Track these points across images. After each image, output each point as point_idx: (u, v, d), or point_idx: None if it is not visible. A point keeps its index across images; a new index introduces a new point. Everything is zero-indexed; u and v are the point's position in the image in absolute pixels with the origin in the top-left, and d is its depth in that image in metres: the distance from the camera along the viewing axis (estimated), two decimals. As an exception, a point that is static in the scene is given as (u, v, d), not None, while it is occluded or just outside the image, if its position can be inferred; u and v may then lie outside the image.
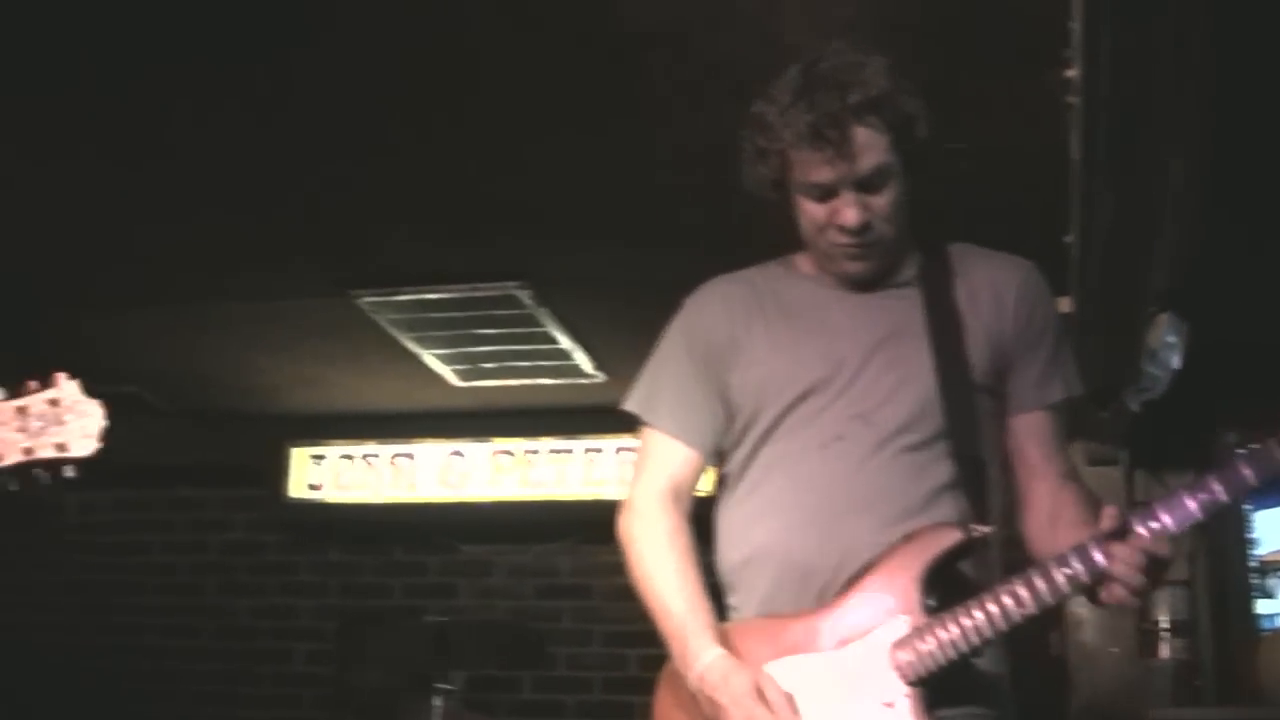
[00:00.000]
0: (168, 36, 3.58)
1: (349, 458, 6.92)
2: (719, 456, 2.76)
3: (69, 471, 2.15)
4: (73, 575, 7.27)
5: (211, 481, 7.25)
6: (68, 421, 2.13)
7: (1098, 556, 2.29)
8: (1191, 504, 2.28)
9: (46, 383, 2.16)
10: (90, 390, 2.18)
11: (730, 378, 2.69)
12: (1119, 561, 2.27)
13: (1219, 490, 2.28)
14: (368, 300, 5.33)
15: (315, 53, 3.69)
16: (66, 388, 2.16)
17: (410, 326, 5.57)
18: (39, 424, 2.13)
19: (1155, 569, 2.28)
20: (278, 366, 6.28)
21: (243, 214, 4.72)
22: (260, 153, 4.25)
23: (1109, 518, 2.32)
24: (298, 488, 6.98)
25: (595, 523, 6.07)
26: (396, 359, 5.96)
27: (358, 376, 6.34)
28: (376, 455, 6.88)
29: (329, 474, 6.95)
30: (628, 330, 5.16)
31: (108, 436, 2.15)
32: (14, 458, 2.13)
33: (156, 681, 6.96)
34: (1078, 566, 2.31)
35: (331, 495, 6.93)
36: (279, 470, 6.99)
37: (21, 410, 2.14)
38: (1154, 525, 2.29)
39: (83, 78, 3.78)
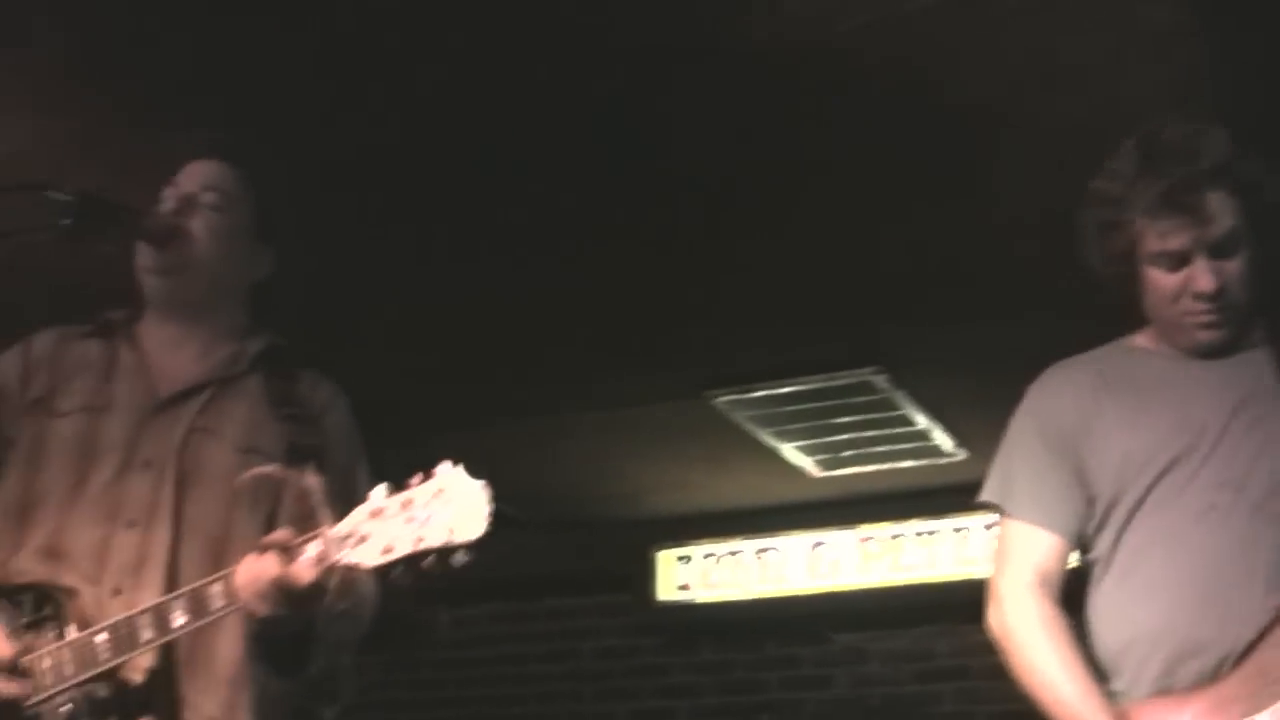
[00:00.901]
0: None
1: (713, 556, 7.09)
2: (1080, 543, 2.75)
3: (461, 557, 2.16)
4: (450, 692, 7.62)
5: (581, 590, 7.49)
6: (455, 506, 2.16)
7: None
8: None
9: (428, 474, 2.20)
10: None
11: (1087, 460, 2.69)
12: None
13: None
14: (724, 400, 5.51)
15: (656, 163, 3.93)
16: (451, 474, 2.19)
17: (767, 421, 5.73)
18: (426, 513, 2.17)
19: None
20: (639, 471, 6.52)
21: (597, 324, 4.99)
22: (608, 263, 4.52)
23: None
24: (666, 590, 7.18)
25: (969, 603, 6.09)
26: (755, 455, 6.12)
27: (718, 475, 6.51)
28: (741, 551, 7.03)
29: (696, 574, 7.13)
30: (986, 405, 5.19)
31: (476, 552, 2.16)
32: (405, 549, 2.17)
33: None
34: None
35: (700, 595, 7.10)
36: (646, 574, 7.21)
37: (407, 503, 2.18)
38: None
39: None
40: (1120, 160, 2.64)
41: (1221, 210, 2.55)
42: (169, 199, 2.79)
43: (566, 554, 7.27)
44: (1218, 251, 2.56)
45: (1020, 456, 2.78)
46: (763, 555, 6.99)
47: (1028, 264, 4.37)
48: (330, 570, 2.26)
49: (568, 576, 7.39)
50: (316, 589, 2.29)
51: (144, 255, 2.75)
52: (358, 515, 2.22)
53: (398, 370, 5.30)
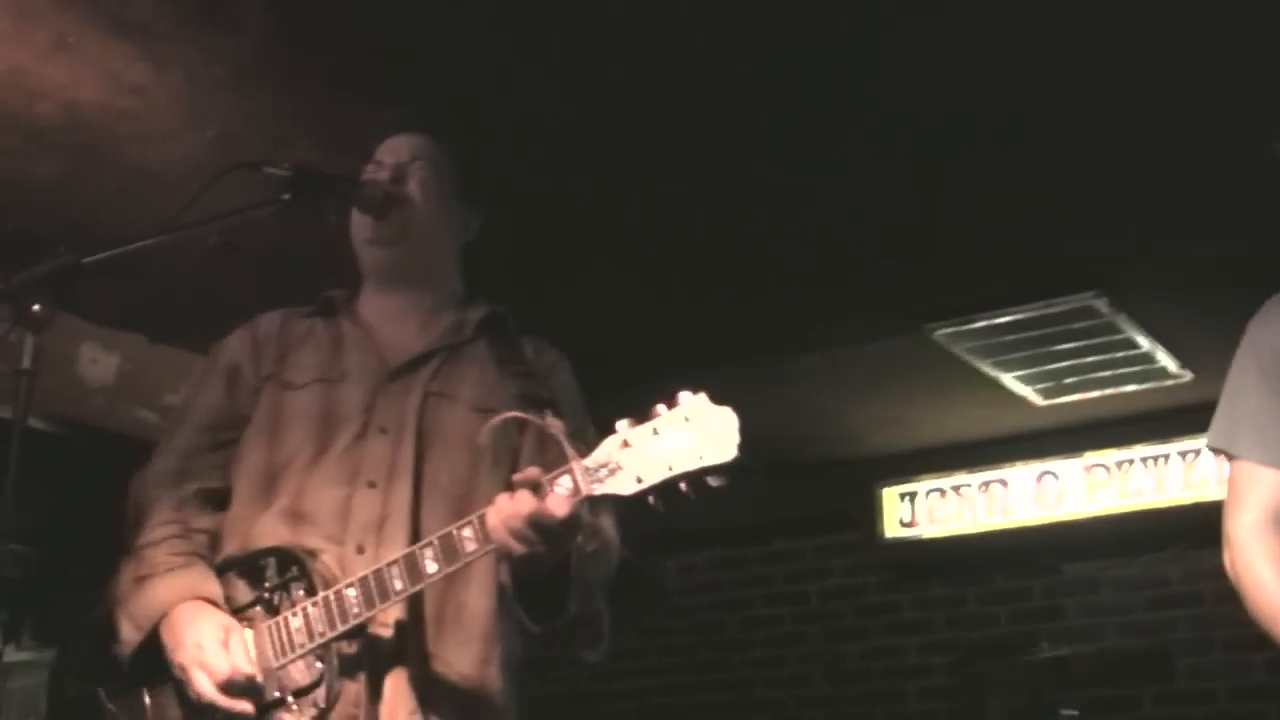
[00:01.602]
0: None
1: (940, 491, 7.19)
2: None
3: (713, 481, 2.19)
4: (680, 639, 7.83)
5: (805, 531, 7.63)
6: (702, 432, 2.18)
7: None
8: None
9: (671, 403, 2.22)
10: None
11: None
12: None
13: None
14: (943, 333, 5.64)
15: (870, 98, 4.08)
16: (693, 401, 2.21)
17: (987, 352, 5.83)
18: (674, 441, 2.19)
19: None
20: (860, 410, 6.67)
21: (813, 265, 5.16)
22: (822, 202, 4.66)
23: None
24: (892, 527, 7.30)
25: (1201, 526, 6.14)
26: (977, 386, 6.22)
27: (939, 409, 6.63)
28: (967, 485, 7.11)
29: (922, 510, 7.24)
30: (1209, 325, 5.29)
31: (730, 475, 2.19)
32: (658, 476, 2.20)
33: (776, 732, 7.38)
34: None
35: (927, 531, 7.21)
36: (872, 512, 7.33)
37: (656, 431, 2.20)
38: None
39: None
40: None
41: None
42: (378, 170, 2.89)
43: (790, 497, 7.39)
44: None
45: (1242, 395, 2.78)
46: (988, 488, 7.05)
47: (1247, 181, 4.42)
48: (584, 503, 2.30)
49: (792, 519, 7.49)
50: (572, 524, 2.32)
51: (363, 228, 2.86)
52: (607, 447, 2.25)
53: (613, 322, 5.54)
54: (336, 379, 2.78)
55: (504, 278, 3.14)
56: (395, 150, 2.93)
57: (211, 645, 2.51)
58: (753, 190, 4.62)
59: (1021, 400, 6.39)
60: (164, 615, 2.58)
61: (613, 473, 2.24)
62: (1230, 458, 2.78)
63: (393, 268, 2.89)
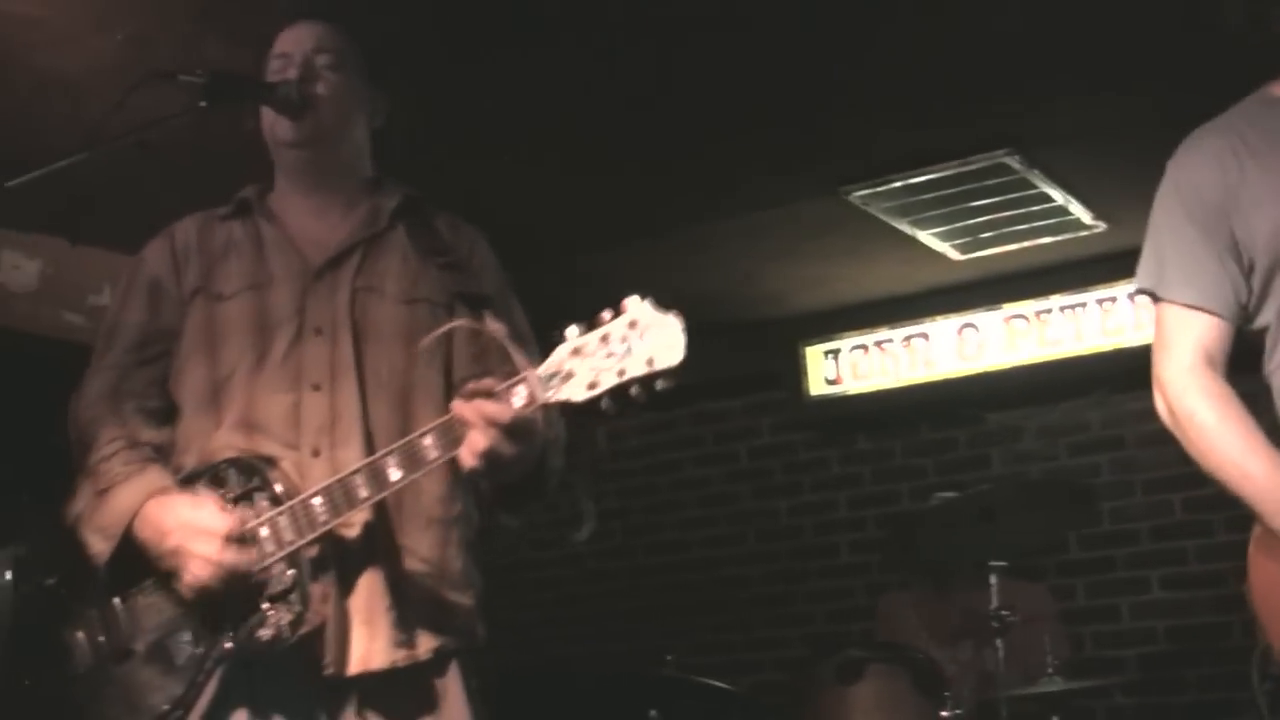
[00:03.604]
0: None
1: (863, 348, 7.34)
2: (1242, 317, 2.74)
3: (661, 384, 2.29)
4: (613, 503, 7.91)
5: (731, 392, 7.77)
6: (650, 337, 2.27)
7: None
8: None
9: (617, 310, 2.32)
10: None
11: (1236, 232, 2.69)
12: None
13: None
14: (860, 194, 5.78)
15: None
16: (640, 308, 2.31)
17: (904, 211, 5.98)
18: (624, 346, 2.28)
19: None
20: (780, 272, 6.80)
21: (728, 130, 5.23)
22: (739, 63, 4.71)
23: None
24: (817, 385, 7.46)
25: (1120, 372, 6.39)
26: (895, 244, 6.37)
27: (859, 267, 6.76)
28: (890, 340, 7.26)
29: (845, 366, 7.39)
30: (1120, 174, 5.48)
31: (676, 378, 2.29)
32: (610, 381, 2.29)
33: (710, 590, 7.58)
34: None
35: (852, 387, 7.37)
36: (796, 370, 7.48)
37: (605, 338, 2.30)
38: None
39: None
40: None
41: None
42: (286, 68, 2.89)
43: (716, 358, 7.36)
44: None
45: (1168, 237, 2.76)
46: (910, 342, 7.20)
47: (1151, 30, 4.52)
48: (541, 410, 2.41)
49: (718, 380, 7.55)
50: (529, 429, 2.46)
51: (279, 129, 2.89)
52: (559, 354, 2.34)
53: (532, 195, 5.60)
54: (264, 284, 2.83)
55: (413, 158, 3.16)
56: (298, 41, 2.94)
57: (196, 514, 2.61)
58: (662, 57, 4.66)
59: (939, 256, 6.54)
60: (134, 516, 2.66)
61: (565, 380, 2.33)
62: (1158, 300, 2.77)
63: (309, 166, 2.94)
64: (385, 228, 2.92)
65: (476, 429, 2.43)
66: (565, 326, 2.36)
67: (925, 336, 7.20)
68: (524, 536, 2.77)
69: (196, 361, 2.83)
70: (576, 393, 2.33)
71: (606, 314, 2.33)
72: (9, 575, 2.84)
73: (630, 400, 2.32)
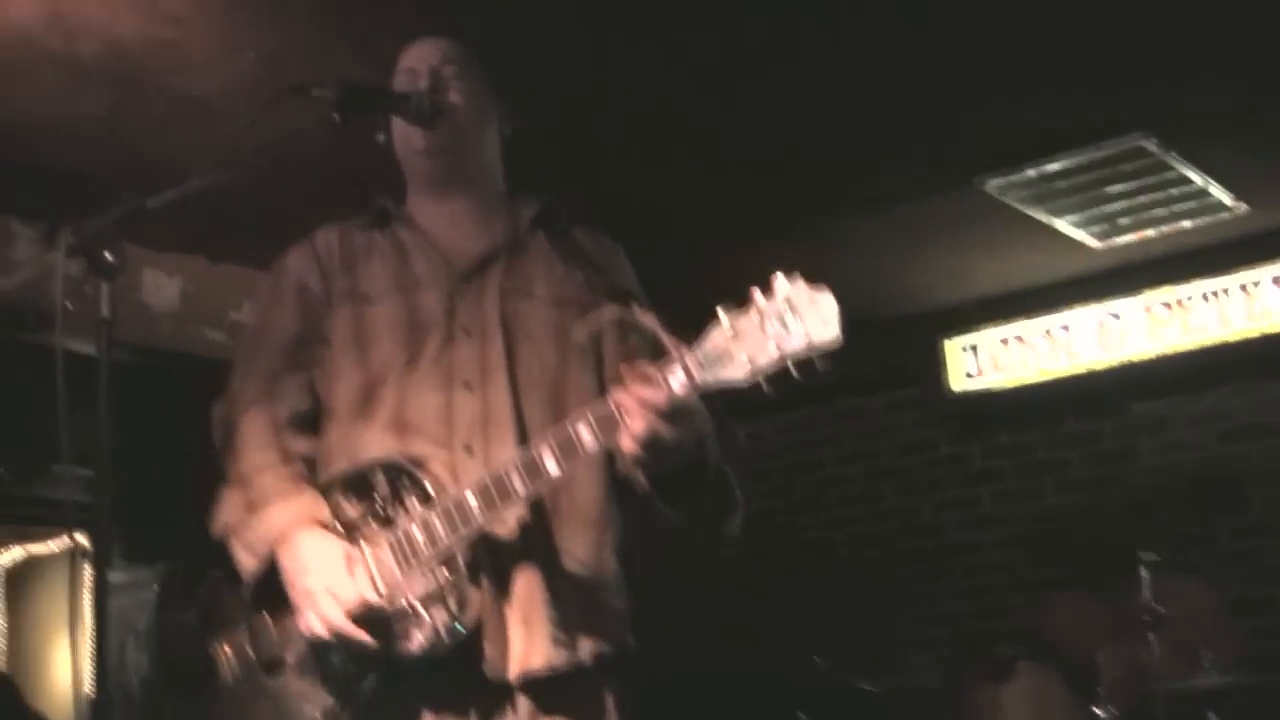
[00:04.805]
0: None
1: (1003, 340, 7.29)
2: None
3: (820, 364, 2.23)
4: (753, 505, 7.94)
5: (871, 389, 7.77)
6: (805, 315, 2.21)
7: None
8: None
9: (768, 289, 2.26)
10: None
11: None
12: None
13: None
14: (994, 184, 5.73)
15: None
16: (794, 285, 2.25)
17: (1040, 200, 5.92)
18: (778, 326, 2.22)
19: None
20: (918, 266, 6.79)
21: (859, 125, 5.22)
22: (868, 56, 4.69)
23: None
24: (957, 379, 7.43)
25: (1267, 357, 6.25)
26: (1032, 234, 6.31)
27: (997, 259, 6.71)
28: (1030, 332, 7.20)
29: (986, 360, 7.35)
30: (1262, 154, 5.38)
31: (835, 356, 2.23)
32: (770, 361, 2.23)
33: (855, 589, 7.56)
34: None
35: (992, 380, 7.33)
36: (936, 365, 7.46)
37: (759, 317, 2.24)
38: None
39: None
40: None
41: None
42: (414, 80, 2.90)
43: (854, 355, 7.40)
44: None
45: None
46: (1050, 333, 7.14)
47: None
48: (698, 391, 2.34)
49: (857, 377, 7.52)
50: (689, 412, 2.40)
51: (413, 138, 2.90)
52: (714, 336, 2.29)
53: (666, 195, 5.64)
54: (411, 287, 2.85)
55: (549, 166, 3.18)
56: (423, 55, 2.96)
57: (338, 573, 2.60)
58: (796, 54, 4.65)
59: (1078, 244, 6.47)
60: (281, 541, 2.67)
61: (722, 361, 2.28)
62: None
63: (445, 175, 2.95)
64: (525, 236, 2.94)
65: (635, 414, 2.38)
66: (705, 324, 2.34)
67: (1066, 327, 7.13)
68: (694, 529, 2.70)
69: (347, 365, 2.84)
70: (736, 373, 2.27)
71: (757, 292, 2.27)
72: (155, 593, 2.88)
73: (788, 379, 2.25)
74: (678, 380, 2.34)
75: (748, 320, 2.26)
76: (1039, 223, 6.18)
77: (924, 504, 7.63)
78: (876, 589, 7.54)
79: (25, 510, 8.27)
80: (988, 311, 7.31)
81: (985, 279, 7.01)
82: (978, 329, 7.38)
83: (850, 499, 7.86)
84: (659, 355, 2.40)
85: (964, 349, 7.43)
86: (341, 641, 2.58)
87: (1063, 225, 6.23)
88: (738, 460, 2.83)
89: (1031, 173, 5.63)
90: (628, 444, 2.41)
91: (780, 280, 2.26)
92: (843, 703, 4.99)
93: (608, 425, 2.43)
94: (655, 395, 2.36)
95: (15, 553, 8.91)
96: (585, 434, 2.44)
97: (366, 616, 2.57)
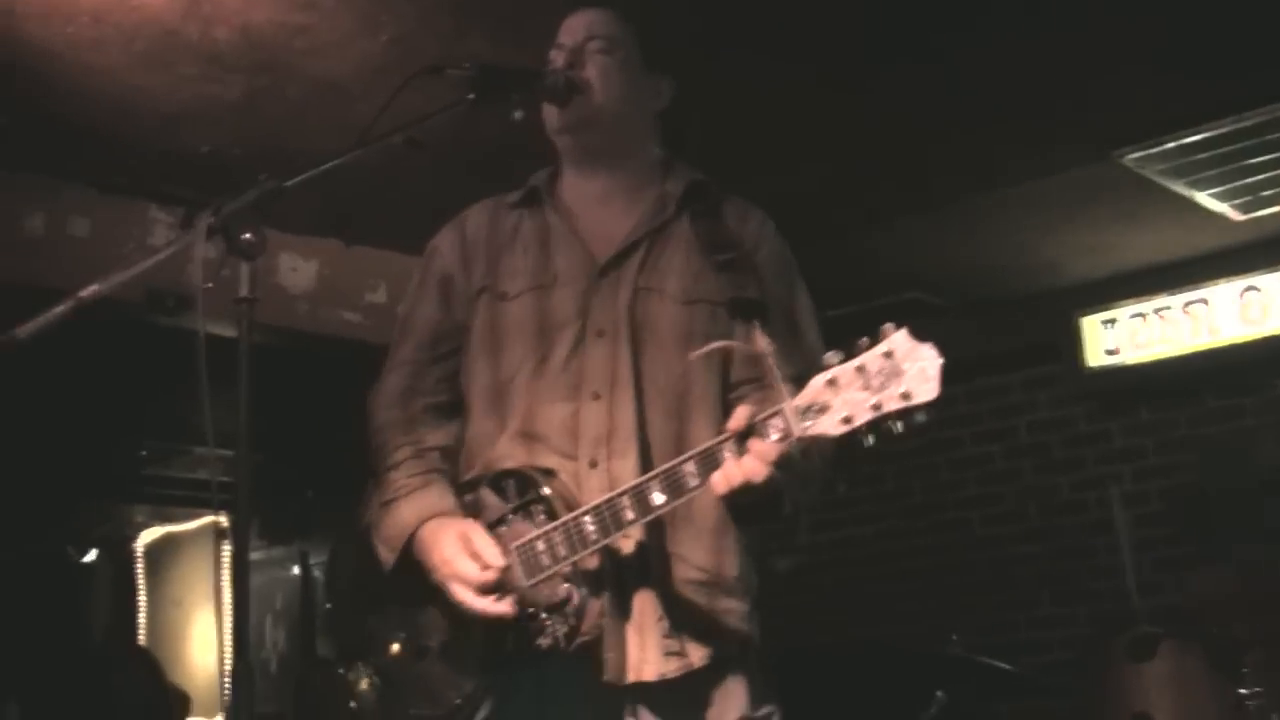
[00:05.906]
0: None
1: (1141, 316, 7.19)
2: None
3: (919, 417, 2.28)
4: (889, 485, 8.01)
5: (1008, 366, 7.69)
6: (906, 370, 2.26)
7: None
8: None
9: (875, 338, 2.30)
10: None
11: None
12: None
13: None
14: (1132, 157, 5.64)
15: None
16: (897, 338, 2.28)
17: (1179, 172, 5.82)
18: (879, 379, 2.27)
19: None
20: (1055, 241, 6.71)
21: (994, 101, 5.18)
22: (1005, 32, 4.66)
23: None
24: (1095, 356, 7.33)
25: None
26: (1171, 207, 6.21)
27: (1135, 233, 6.61)
28: (1168, 307, 7.09)
29: (1124, 336, 7.25)
30: None
31: (933, 412, 2.27)
32: (865, 416, 2.28)
33: (993, 569, 7.52)
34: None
35: (1131, 356, 7.23)
36: (1073, 342, 7.37)
37: (861, 369, 2.29)
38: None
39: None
40: None
41: None
42: (559, 56, 2.93)
43: (989, 333, 7.45)
44: None
45: None
46: (1190, 308, 7.04)
47: None
48: (792, 444, 2.41)
49: (993, 355, 7.51)
50: (783, 464, 2.44)
51: (549, 116, 2.92)
52: (815, 385, 2.35)
53: (807, 174, 5.63)
54: (548, 285, 2.87)
55: (690, 140, 3.18)
56: (571, 31, 2.96)
57: (458, 556, 2.69)
58: (928, 30, 4.64)
59: (1218, 217, 6.36)
60: (411, 536, 2.78)
61: (820, 413, 2.34)
62: None
63: (584, 152, 2.97)
64: (671, 218, 2.93)
65: (733, 459, 2.46)
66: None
67: (1205, 301, 7.02)
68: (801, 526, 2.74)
69: (482, 363, 2.91)
70: (830, 427, 2.34)
71: (864, 341, 2.32)
72: (298, 570, 2.97)
73: (887, 433, 2.32)
74: (776, 430, 2.42)
75: (849, 370, 2.32)
76: (1178, 195, 6.08)
77: (1063, 482, 7.54)
78: (1015, 567, 7.49)
79: (165, 490, 8.47)
80: (1126, 286, 7.21)
81: (1123, 252, 6.91)
82: (1116, 304, 7.28)
83: (988, 478, 7.79)
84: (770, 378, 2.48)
85: (1102, 324, 7.34)
86: (480, 617, 2.67)
87: (1203, 198, 6.13)
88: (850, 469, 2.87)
89: (1170, 144, 5.54)
90: (719, 484, 2.48)
91: (888, 329, 2.31)
92: (980, 682, 4.94)
93: (711, 466, 2.50)
94: (753, 447, 2.44)
95: (154, 531, 9.10)
96: (691, 473, 2.52)
97: (494, 586, 2.66)
